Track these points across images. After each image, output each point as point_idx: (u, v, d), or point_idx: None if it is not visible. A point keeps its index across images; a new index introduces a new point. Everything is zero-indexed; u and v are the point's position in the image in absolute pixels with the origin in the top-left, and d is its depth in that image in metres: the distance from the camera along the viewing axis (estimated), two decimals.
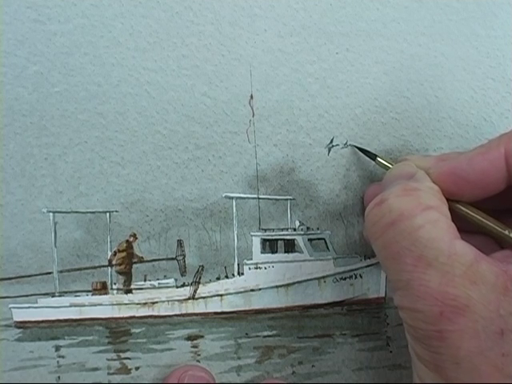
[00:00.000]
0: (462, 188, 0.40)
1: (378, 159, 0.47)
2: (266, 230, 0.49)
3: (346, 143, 0.50)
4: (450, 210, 0.39)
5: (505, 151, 0.39)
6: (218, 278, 0.48)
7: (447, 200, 0.40)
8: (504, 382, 0.34)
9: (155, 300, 0.47)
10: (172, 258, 0.47)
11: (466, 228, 0.40)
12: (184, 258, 0.47)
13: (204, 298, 0.48)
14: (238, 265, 0.48)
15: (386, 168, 0.46)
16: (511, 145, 0.39)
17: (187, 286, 0.48)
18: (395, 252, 0.37)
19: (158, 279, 0.47)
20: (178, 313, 0.48)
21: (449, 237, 0.36)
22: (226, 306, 0.48)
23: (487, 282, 0.35)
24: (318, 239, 0.50)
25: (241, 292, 0.48)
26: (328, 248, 0.50)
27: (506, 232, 0.40)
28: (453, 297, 0.34)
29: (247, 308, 0.48)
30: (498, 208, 0.42)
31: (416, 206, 0.37)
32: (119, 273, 0.47)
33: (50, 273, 0.45)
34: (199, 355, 0.47)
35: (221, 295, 0.48)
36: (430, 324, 0.35)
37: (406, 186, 0.39)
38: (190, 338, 0.47)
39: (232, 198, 0.48)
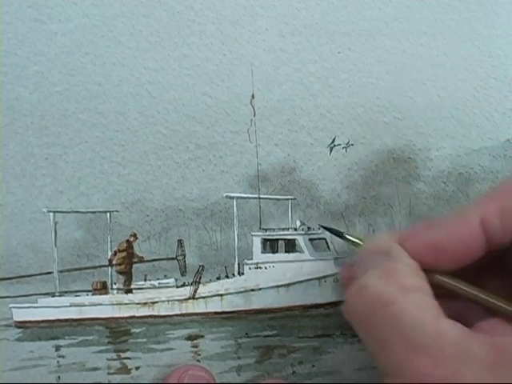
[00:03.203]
0: (441, 259, 0.39)
1: (346, 236, 0.45)
2: (266, 230, 0.49)
3: (348, 143, 0.49)
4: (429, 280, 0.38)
5: (481, 219, 0.38)
6: (219, 278, 0.48)
7: (427, 272, 0.39)
8: None
9: (155, 300, 0.47)
10: (172, 258, 0.47)
11: (447, 294, 0.39)
12: (184, 258, 0.47)
13: (204, 297, 0.48)
14: (239, 264, 0.48)
15: (355, 244, 0.44)
16: (488, 211, 0.39)
17: (187, 285, 0.48)
18: (382, 338, 0.35)
19: (158, 279, 0.47)
20: (178, 313, 0.48)
21: (434, 318, 0.35)
22: (226, 305, 0.48)
23: (478, 360, 0.34)
24: (319, 239, 0.50)
25: (241, 292, 0.48)
26: (329, 248, 0.50)
27: (495, 301, 0.40)
28: (444, 379, 0.33)
29: (247, 308, 0.48)
30: (472, 270, 0.41)
31: (396, 290, 0.36)
32: (119, 273, 0.47)
33: (50, 273, 0.45)
34: (199, 355, 0.47)
35: (221, 295, 0.48)
36: None
37: (384, 269, 0.37)
38: (190, 337, 0.47)
39: (233, 197, 0.48)
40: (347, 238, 0.45)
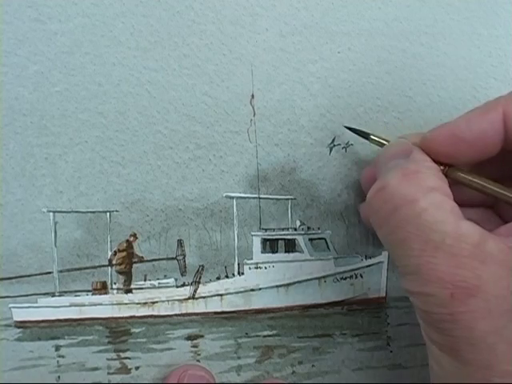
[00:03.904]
0: (461, 150, 0.40)
1: (372, 137, 0.46)
2: (266, 230, 0.49)
3: (348, 143, 0.49)
4: (450, 183, 0.39)
5: (503, 112, 0.39)
6: (218, 278, 0.48)
7: (448, 169, 0.40)
8: None
9: (155, 300, 0.47)
10: (172, 258, 0.47)
11: (462, 202, 0.40)
12: (184, 258, 0.47)
13: (204, 297, 0.48)
14: (239, 264, 0.48)
15: (381, 145, 0.45)
16: (509, 106, 0.39)
17: (187, 285, 0.48)
18: (401, 238, 0.36)
19: (158, 279, 0.47)
20: (178, 312, 0.48)
21: (453, 218, 0.36)
22: (226, 305, 0.48)
23: (496, 260, 0.34)
24: (319, 239, 0.50)
25: (241, 292, 0.48)
26: (329, 248, 0.50)
27: None
28: (462, 278, 0.34)
29: (247, 308, 0.48)
30: (491, 176, 0.42)
31: (418, 190, 0.36)
32: (119, 272, 0.47)
33: (50, 272, 0.45)
34: (199, 355, 0.47)
35: (221, 295, 0.48)
36: (441, 307, 0.35)
37: (405, 170, 0.38)
38: (189, 337, 0.47)
39: (233, 197, 0.48)
40: (373, 139, 0.46)
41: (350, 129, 0.48)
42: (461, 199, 0.39)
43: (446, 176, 0.40)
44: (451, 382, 0.36)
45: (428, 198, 0.36)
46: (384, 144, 0.45)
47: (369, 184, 0.40)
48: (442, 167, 0.41)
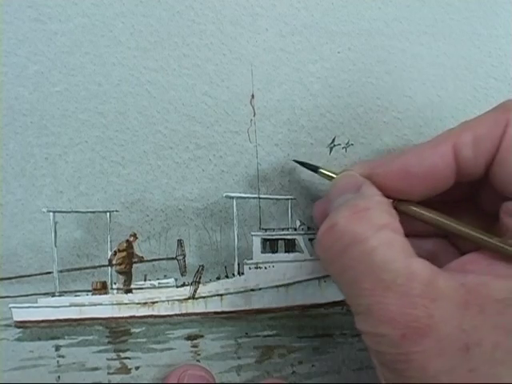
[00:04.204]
0: (412, 185, 0.39)
1: (321, 170, 0.45)
2: (266, 230, 0.49)
3: (348, 143, 0.49)
4: (400, 214, 0.38)
5: (453, 145, 0.38)
6: (218, 278, 0.48)
7: (397, 202, 0.40)
8: None
9: (155, 300, 0.47)
10: (172, 258, 0.47)
11: (416, 232, 0.40)
12: (184, 258, 0.47)
13: (204, 297, 0.48)
14: (239, 264, 0.48)
15: (330, 178, 0.44)
16: (459, 139, 0.38)
17: (187, 285, 0.48)
18: (352, 277, 0.36)
19: (158, 279, 0.47)
20: (178, 312, 0.48)
21: (404, 256, 0.35)
22: (226, 305, 0.48)
23: (447, 298, 0.34)
24: None
25: (241, 292, 0.48)
26: None
27: (466, 229, 0.39)
28: (414, 318, 0.33)
29: (247, 308, 0.48)
30: (445, 206, 0.41)
31: (368, 228, 0.35)
32: (119, 272, 0.47)
33: (50, 272, 0.45)
34: (199, 355, 0.47)
35: (221, 295, 0.48)
36: (393, 347, 0.34)
37: (354, 208, 0.37)
38: (189, 337, 0.47)
39: (233, 197, 0.48)
40: (322, 173, 0.45)
41: (298, 162, 0.47)
42: (414, 230, 0.39)
43: (396, 209, 0.39)
44: None
45: (378, 236, 0.35)
46: (333, 177, 0.44)
47: (321, 219, 0.39)
48: (391, 200, 0.40)
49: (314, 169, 0.46)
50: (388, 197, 0.40)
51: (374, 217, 0.36)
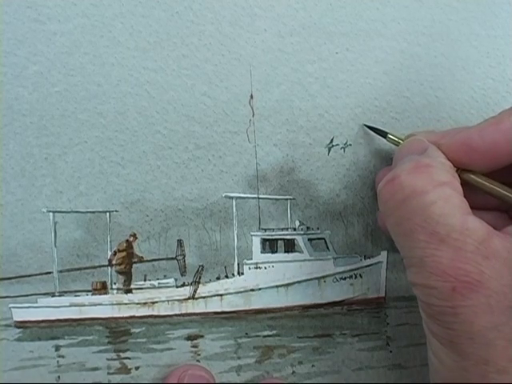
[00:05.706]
0: (473, 159, 0.40)
1: (389, 136, 0.47)
2: (265, 230, 0.49)
3: (346, 143, 0.50)
4: (462, 184, 0.39)
5: None
6: (218, 278, 0.48)
7: (461, 170, 0.41)
8: None
9: (155, 300, 0.47)
10: (172, 258, 0.47)
11: (477, 205, 0.40)
12: (184, 258, 0.47)
13: (204, 297, 0.48)
14: (238, 264, 0.48)
15: (398, 144, 0.46)
16: None
17: (187, 285, 0.48)
18: (408, 229, 0.37)
19: (157, 279, 0.47)
20: (177, 312, 0.48)
21: (461, 213, 0.36)
22: (226, 305, 0.48)
23: (499, 257, 0.35)
24: (318, 239, 0.50)
25: (241, 292, 0.48)
26: (328, 248, 0.50)
27: None
28: (465, 272, 0.34)
29: (247, 308, 0.48)
30: (506, 181, 0.42)
31: (428, 183, 0.37)
32: (119, 272, 0.47)
33: (49, 272, 0.45)
34: (199, 355, 0.47)
35: (221, 295, 0.48)
36: (443, 300, 0.35)
37: (417, 163, 0.38)
38: (189, 337, 0.47)
39: (232, 197, 0.48)
40: (390, 138, 0.47)
41: (369, 127, 0.49)
42: (475, 202, 0.39)
43: (459, 176, 0.40)
44: (449, 376, 0.37)
45: (437, 191, 0.36)
46: (400, 143, 0.46)
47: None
48: (455, 168, 0.41)
49: (383, 134, 0.48)
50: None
51: (435, 173, 0.38)
